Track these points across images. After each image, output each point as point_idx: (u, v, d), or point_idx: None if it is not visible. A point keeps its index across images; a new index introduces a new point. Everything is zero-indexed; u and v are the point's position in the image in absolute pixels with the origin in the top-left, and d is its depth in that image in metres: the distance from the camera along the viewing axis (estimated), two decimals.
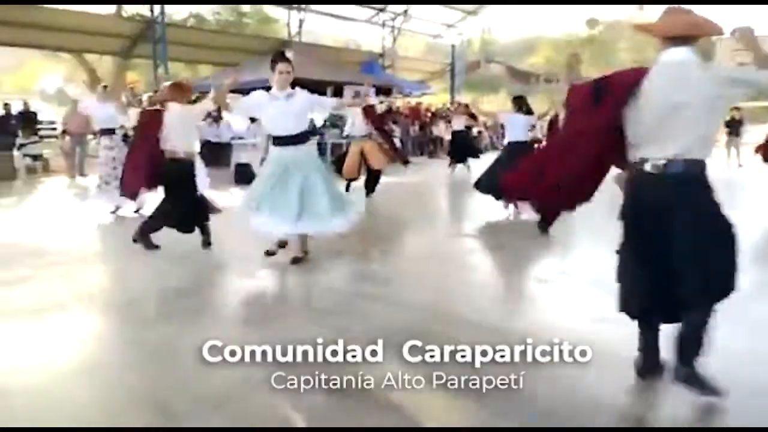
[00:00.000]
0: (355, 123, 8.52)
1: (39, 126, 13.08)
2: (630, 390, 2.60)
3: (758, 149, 9.09)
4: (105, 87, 7.13)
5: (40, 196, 9.34)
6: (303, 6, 20.03)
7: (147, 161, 5.08)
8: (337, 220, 4.37)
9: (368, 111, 8.50)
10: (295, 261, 4.53)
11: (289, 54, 4.43)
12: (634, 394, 2.57)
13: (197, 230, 5.19)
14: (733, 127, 15.05)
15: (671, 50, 2.41)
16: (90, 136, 13.08)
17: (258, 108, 4.43)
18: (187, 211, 5.07)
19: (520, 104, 7.36)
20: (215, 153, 13.74)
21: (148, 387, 2.59)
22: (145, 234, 4.97)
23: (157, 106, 5.65)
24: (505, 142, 7.42)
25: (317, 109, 4.74)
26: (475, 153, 13.44)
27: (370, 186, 8.61)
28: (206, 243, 5.21)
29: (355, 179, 8.64)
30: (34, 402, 2.44)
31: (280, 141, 4.41)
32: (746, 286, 4.12)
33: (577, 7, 31.50)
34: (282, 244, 4.65)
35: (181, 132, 4.98)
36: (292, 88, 4.35)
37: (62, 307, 3.65)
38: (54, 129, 13.08)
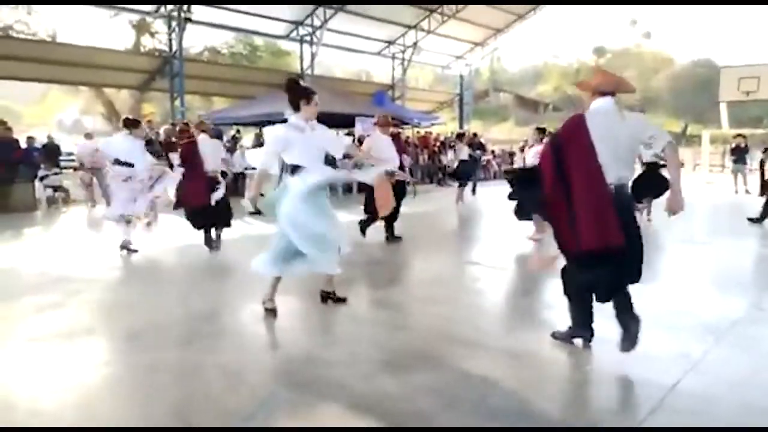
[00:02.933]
0: (384, 152, 7.08)
1: (60, 158, 13.52)
2: (624, 405, 2.77)
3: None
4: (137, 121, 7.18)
5: (62, 226, 9.66)
6: (315, 40, 20.60)
7: (205, 181, 6.67)
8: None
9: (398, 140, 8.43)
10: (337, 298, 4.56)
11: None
12: (627, 408, 2.73)
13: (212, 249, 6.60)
14: (739, 155, 15.19)
15: (599, 100, 3.29)
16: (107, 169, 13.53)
17: (288, 144, 4.12)
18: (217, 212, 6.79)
19: (543, 134, 7.72)
20: (231, 182, 14.04)
21: (177, 406, 2.78)
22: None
23: (185, 140, 6.95)
24: None
25: (331, 148, 4.44)
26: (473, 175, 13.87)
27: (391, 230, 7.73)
28: (217, 247, 6.81)
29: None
30: (63, 422, 2.64)
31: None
32: (743, 311, 4.32)
33: (585, 36, 31.78)
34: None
35: (212, 156, 6.81)
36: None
37: (91, 331, 3.88)
38: (73, 161, 13.51)
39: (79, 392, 2.94)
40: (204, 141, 6.79)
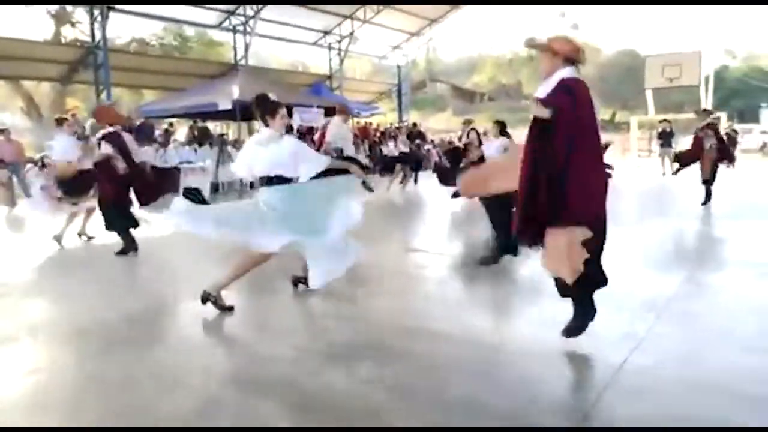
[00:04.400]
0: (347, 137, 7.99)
1: None
2: (576, 385, 2.76)
3: (677, 158, 9.60)
4: (63, 119, 6.96)
5: None
6: (249, 29, 20.03)
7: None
8: None
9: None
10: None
11: (272, 96, 4.21)
12: (579, 388, 2.73)
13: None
14: (665, 139, 15.90)
15: (569, 69, 3.05)
16: (29, 165, 12.72)
17: (251, 155, 4.16)
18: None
19: (502, 127, 7.78)
20: (159, 177, 13.48)
21: (110, 416, 2.57)
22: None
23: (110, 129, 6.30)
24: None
25: (304, 165, 4.15)
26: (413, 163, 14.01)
27: None
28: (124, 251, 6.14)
29: None
30: None
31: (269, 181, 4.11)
32: (678, 287, 4.45)
33: (517, 27, 32.56)
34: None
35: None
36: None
37: (11, 339, 3.56)
38: None
39: (4, 407, 2.67)
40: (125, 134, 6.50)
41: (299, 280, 4.56)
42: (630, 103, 35.80)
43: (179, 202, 3.94)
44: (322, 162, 4.20)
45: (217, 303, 4.00)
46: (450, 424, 2.43)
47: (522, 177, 3.07)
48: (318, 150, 7.19)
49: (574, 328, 3.17)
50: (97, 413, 2.60)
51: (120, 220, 6.19)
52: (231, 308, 4.03)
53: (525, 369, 2.99)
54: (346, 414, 2.53)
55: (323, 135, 8.24)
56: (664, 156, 15.83)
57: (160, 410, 2.59)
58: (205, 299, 3.99)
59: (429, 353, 3.20)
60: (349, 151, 7.88)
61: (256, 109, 4.14)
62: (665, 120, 16.56)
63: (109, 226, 6.24)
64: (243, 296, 4.25)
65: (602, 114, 40.82)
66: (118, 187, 6.16)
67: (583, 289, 3.11)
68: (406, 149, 13.17)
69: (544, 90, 3.05)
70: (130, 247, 6.19)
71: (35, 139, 20.03)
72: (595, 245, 3.04)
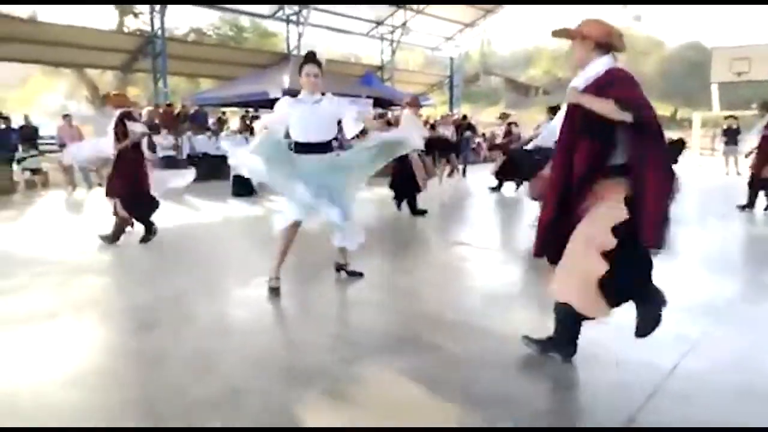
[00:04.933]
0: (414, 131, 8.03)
1: (40, 141, 13.14)
2: (620, 388, 2.58)
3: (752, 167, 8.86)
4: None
5: (38, 209, 9.35)
6: (302, 20, 20.18)
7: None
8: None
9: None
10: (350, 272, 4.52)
11: (320, 56, 4.12)
12: (624, 392, 2.55)
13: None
14: (730, 136, 15.08)
15: (604, 58, 2.63)
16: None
17: (285, 116, 4.06)
18: None
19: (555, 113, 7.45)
20: (214, 166, 13.80)
21: (141, 393, 2.58)
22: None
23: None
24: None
25: (346, 119, 4.13)
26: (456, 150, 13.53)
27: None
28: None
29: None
30: (31, 408, 2.43)
31: (302, 148, 4.04)
32: (738, 290, 4.17)
33: (575, 20, 31.38)
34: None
35: None
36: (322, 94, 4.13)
37: (53, 315, 3.65)
38: (53, 143, 13.14)
39: (34, 379, 2.71)
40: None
41: (341, 267, 4.53)
42: (693, 99, 34.20)
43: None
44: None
45: (272, 287, 4.07)
46: (481, 421, 2.31)
47: (557, 185, 2.65)
48: None
49: (642, 325, 2.64)
50: (129, 390, 2.60)
51: (145, 206, 6.01)
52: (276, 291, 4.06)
53: (566, 369, 2.82)
54: (374, 404, 2.45)
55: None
56: (728, 155, 15.02)
57: (190, 392, 2.57)
58: (270, 289, 4.07)
59: (465, 348, 3.08)
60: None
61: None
62: (731, 116, 15.67)
63: (140, 212, 5.99)
64: (285, 284, 4.22)
65: (663, 110, 39.23)
66: (143, 171, 5.97)
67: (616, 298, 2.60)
68: (450, 136, 12.88)
69: (581, 82, 2.63)
70: (149, 232, 5.99)
71: (98, 126, 20.89)
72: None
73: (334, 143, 4.20)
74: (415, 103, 8.43)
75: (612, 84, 2.50)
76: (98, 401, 2.50)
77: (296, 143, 4.07)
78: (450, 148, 12.84)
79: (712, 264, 5.08)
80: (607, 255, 2.47)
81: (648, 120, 2.44)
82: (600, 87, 2.52)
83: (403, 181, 8.03)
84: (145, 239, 5.95)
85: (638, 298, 2.64)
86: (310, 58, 4.10)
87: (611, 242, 2.46)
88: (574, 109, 2.57)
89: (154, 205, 6.07)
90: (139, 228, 6.09)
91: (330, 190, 3.95)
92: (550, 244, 2.70)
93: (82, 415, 2.38)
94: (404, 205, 8.19)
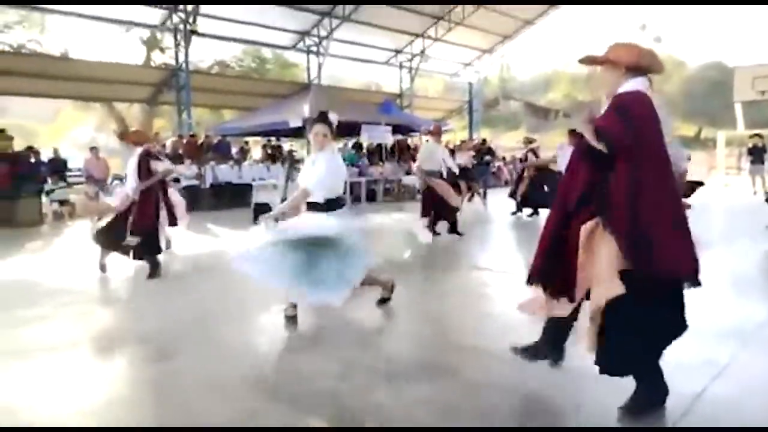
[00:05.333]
0: (440, 157, 8.22)
1: (68, 173, 13.50)
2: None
3: None
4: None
5: (64, 240, 9.53)
6: (322, 50, 20.54)
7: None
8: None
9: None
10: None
11: (332, 116, 4.01)
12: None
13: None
14: (756, 155, 14.79)
15: (635, 81, 2.51)
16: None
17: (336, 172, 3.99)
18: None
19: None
20: (236, 193, 13.99)
21: (157, 420, 2.58)
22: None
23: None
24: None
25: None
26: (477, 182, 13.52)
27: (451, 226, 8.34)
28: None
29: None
30: None
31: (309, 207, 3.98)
32: (766, 311, 4.04)
33: (594, 43, 31.56)
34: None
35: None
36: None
37: (75, 345, 3.69)
38: (81, 176, 13.48)
39: (52, 405, 2.74)
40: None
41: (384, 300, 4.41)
42: (717, 119, 33.75)
43: (243, 246, 3.87)
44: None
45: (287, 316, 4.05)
46: None
47: (557, 213, 2.57)
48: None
49: (630, 407, 2.47)
50: (145, 417, 2.61)
51: (155, 244, 5.98)
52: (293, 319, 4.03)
53: (585, 395, 2.75)
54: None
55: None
56: (755, 174, 14.72)
57: (203, 417, 2.56)
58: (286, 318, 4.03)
59: (481, 374, 3.02)
60: (437, 169, 8.13)
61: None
62: (757, 135, 15.40)
63: (147, 251, 5.88)
64: (300, 311, 4.21)
65: (686, 130, 38.72)
66: (157, 209, 5.95)
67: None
68: (467, 164, 12.97)
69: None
70: (157, 269, 5.89)
71: (125, 159, 21.35)
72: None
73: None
74: (438, 131, 8.60)
75: (608, 109, 2.45)
76: (110, 423, 2.51)
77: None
78: (466, 173, 12.88)
79: (741, 286, 4.93)
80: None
81: (619, 150, 2.32)
82: (603, 115, 2.45)
83: (436, 204, 8.04)
84: (153, 275, 5.82)
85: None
86: (320, 118, 4.04)
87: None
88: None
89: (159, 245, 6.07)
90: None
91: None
92: (549, 268, 2.59)
93: None
94: (440, 228, 8.29)
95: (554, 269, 2.55)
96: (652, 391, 2.48)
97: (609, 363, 2.43)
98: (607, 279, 2.31)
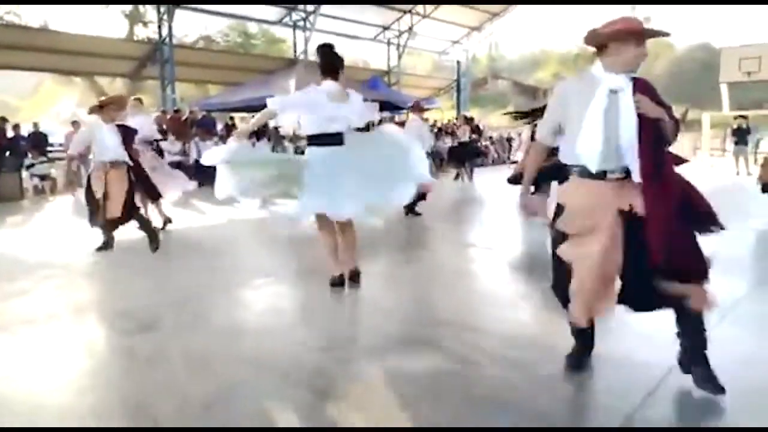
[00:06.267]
0: (425, 135, 8.28)
1: (50, 148, 13.27)
2: (619, 387, 2.54)
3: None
4: (138, 100, 7.32)
5: (45, 215, 9.42)
6: (309, 25, 20.25)
7: None
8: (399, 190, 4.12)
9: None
10: (354, 277, 4.26)
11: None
12: (622, 391, 2.50)
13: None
14: (740, 136, 14.90)
15: None
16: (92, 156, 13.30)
17: (313, 107, 3.97)
18: None
19: None
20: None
21: (136, 393, 2.57)
22: None
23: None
24: None
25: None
26: (473, 157, 13.75)
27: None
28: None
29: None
30: (28, 408, 2.43)
31: (325, 140, 4.00)
32: (746, 289, 4.10)
33: (583, 22, 31.47)
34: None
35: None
36: None
37: (55, 317, 3.66)
38: (62, 150, 13.26)
39: (31, 379, 2.72)
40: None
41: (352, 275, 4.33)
42: (704, 101, 33.91)
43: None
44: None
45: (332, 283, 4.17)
46: (477, 420, 2.27)
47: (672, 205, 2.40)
48: None
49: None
50: (124, 391, 2.60)
51: (142, 219, 5.85)
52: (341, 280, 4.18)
53: (567, 370, 2.78)
54: (370, 404, 2.42)
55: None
56: (738, 155, 14.84)
57: (185, 392, 2.55)
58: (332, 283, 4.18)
59: (464, 348, 3.04)
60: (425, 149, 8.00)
61: (327, 59, 4.06)
62: (741, 116, 15.49)
63: (141, 227, 5.79)
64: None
65: (673, 112, 38.87)
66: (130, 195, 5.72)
67: None
68: (465, 139, 13.14)
69: (625, 84, 2.43)
70: (155, 239, 5.76)
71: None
72: None
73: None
74: (418, 107, 8.61)
75: (652, 96, 2.44)
76: (93, 402, 2.49)
77: (317, 136, 4.04)
78: (466, 149, 13.05)
79: (723, 263, 4.96)
80: None
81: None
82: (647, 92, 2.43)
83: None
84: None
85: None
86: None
87: None
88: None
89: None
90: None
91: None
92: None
93: (75, 415, 2.37)
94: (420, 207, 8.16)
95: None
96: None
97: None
98: None
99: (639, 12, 43.41)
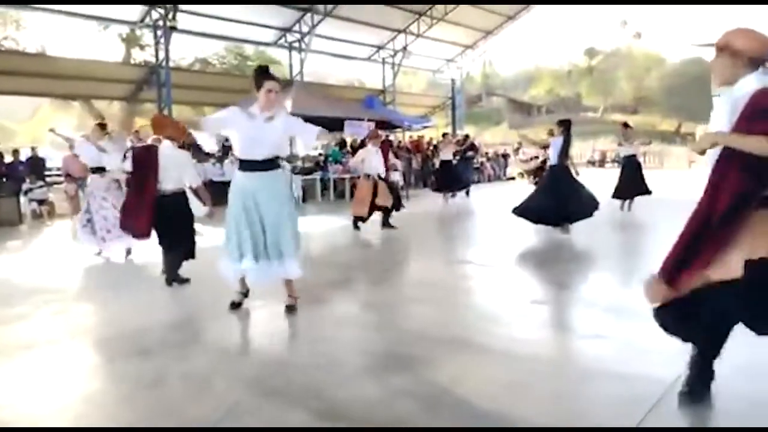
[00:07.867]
0: (372, 162, 8.53)
1: (47, 172, 13.30)
2: (621, 402, 2.54)
3: None
4: (101, 126, 6.91)
5: (44, 239, 9.41)
6: (304, 46, 20.44)
7: (148, 200, 5.25)
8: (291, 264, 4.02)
9: (384, 148, 9.10)
10: (291, 309, 4.15)
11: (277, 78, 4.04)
12: (624, 406, 2.50)
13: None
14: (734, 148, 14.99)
15: (755, 75, 2.30)
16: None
17: (231, 125, 3.89)
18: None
19: (567, 125, 7.42)
20: (218, 191, 13.85)
21: (136, 415, 2.56)
22: (175, 273, 5.24)
23: (149, 142, 5.73)
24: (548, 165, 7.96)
25: (300, 137, 4.12)
26: (460, 183, 13.03)
27: (387, 220, 8.65)
28: (170, 279, 5.21)
29: (364, 218, 8.53)
30: None
31: (247, 166, 3.96)
32: None
33: (576, 38, 31.81)
34: (245, 293, 4.32)
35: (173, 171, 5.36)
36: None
37: (55, 342, 3.65)
38: (60, 175, 13.30)
39: (31, 404, 2.71)
40: (166, 148, 5.43)
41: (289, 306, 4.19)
42: (697, 114, 34.22)
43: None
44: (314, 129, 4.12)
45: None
46: None
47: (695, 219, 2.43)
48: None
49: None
50: (124, 413, 2.59)
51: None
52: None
53: (564, 384, 2.79)
54: (371, 423, 2.42)
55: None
56: None
57: (184, 412, 2.55)
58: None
59: (462, 365, 3.05)
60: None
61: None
62: None
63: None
64: (279, 304, 4.21)
65: (666, 125, 39.19)
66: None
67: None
68: (448, 157, 12.96)
69: (726, 107, 2.35)
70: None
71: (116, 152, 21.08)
72: None
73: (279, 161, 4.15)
74: (375, 135, 9.07)
75: (762, 111, 2.17)
76: (94, 421, 2.49)
77: (241, 161, 4.03)
78: (449, 168, 12.89)
79: None
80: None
81: None
82: (755, 113, 2.18)
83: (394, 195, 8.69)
84: None
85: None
86: (269, 73, 3.99)
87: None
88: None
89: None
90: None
91: (270, 225, 3.97)
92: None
93: None
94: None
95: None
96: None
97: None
98: None
99: (630, 28, 44.02)
